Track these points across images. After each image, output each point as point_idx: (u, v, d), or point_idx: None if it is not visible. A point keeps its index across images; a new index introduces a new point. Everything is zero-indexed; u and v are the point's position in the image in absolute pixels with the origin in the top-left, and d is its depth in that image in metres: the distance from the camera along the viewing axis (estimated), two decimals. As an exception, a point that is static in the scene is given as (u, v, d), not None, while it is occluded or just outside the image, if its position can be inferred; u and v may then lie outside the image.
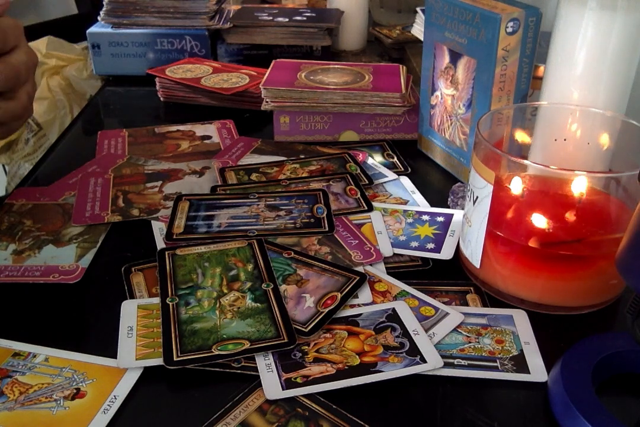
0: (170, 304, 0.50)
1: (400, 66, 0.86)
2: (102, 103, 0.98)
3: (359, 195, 0.66)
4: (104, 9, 1.02)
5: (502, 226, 0.51)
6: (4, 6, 0.50)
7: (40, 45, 1.12)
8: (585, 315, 0.52)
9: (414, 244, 0.59)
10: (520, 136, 0.59)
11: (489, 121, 0.55)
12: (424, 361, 0.46)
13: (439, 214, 0.63)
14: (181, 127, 0.84)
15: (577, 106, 0.55)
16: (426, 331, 0.49)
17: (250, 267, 0.55)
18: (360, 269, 0.55)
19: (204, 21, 1.02)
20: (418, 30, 0.98)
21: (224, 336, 0.47)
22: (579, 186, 0.50)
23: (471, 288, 0.54)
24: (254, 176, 0.71)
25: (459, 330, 0.49)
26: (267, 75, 0.82)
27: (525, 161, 0.49)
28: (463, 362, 0.46)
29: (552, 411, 0.42)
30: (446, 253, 0.57)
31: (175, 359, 0.45)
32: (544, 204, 0.51)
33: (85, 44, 1.08)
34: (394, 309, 0.51)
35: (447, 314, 0.51)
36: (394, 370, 0.45)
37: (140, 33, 1.01)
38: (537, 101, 0.60)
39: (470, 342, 0.48)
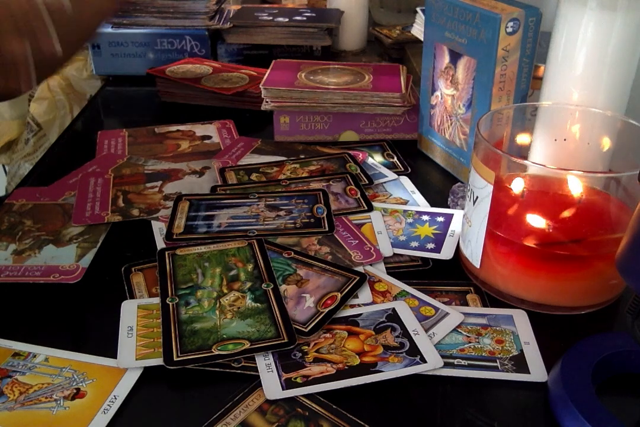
0: (170, 304, 0.50)
1: (400, 66, 0.86)
2: (102, 103, 0.98)
3: (359, 195, 0.66)
4: (104, 9, 1.02)
5: (502, 226, 0.51)
6: None
7: (40, 45, 1.12)
8: (585, 315, 0.52)
9: (414, 244, 0.59)
10: (520, 136, 0.59)
11: (489, 121, 0.55)
12: (424, 361, 0.46)
13: (439, 214, 0.63)
14: (181, 127, 0.84)
15: (577, 106, 0.55)
16: (426, 331, 0.49)
17: (250, 267, 0.55)
18: (360, 269, 0.55)
19: (204, 21, 1.02)
20: (418, 30, 0.98)
21: (224, 336, 0.47)
22: (579, 186, 0.50)
23: (471, 288, 0.54)
24: (254, 176, 0.70)
25: (459, 330, 0.49)
26: (267, 75, 0.82)
27: (525, 161, 0.49)
28: (463, 362, 0.46)
29: (552, 411, 0.42)
30: (446, 253, 0.57)
31: (175, 359, 0.45)
32: (544, 204, 0.51)
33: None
34: (394, 309, 0.51)
35: (447, 314, 0.51)
36: (394, 370, 0.45)
37: (140, 33, 1.01)
38: (537, 101, 0.60)
39: (470, 342, 0.48)
